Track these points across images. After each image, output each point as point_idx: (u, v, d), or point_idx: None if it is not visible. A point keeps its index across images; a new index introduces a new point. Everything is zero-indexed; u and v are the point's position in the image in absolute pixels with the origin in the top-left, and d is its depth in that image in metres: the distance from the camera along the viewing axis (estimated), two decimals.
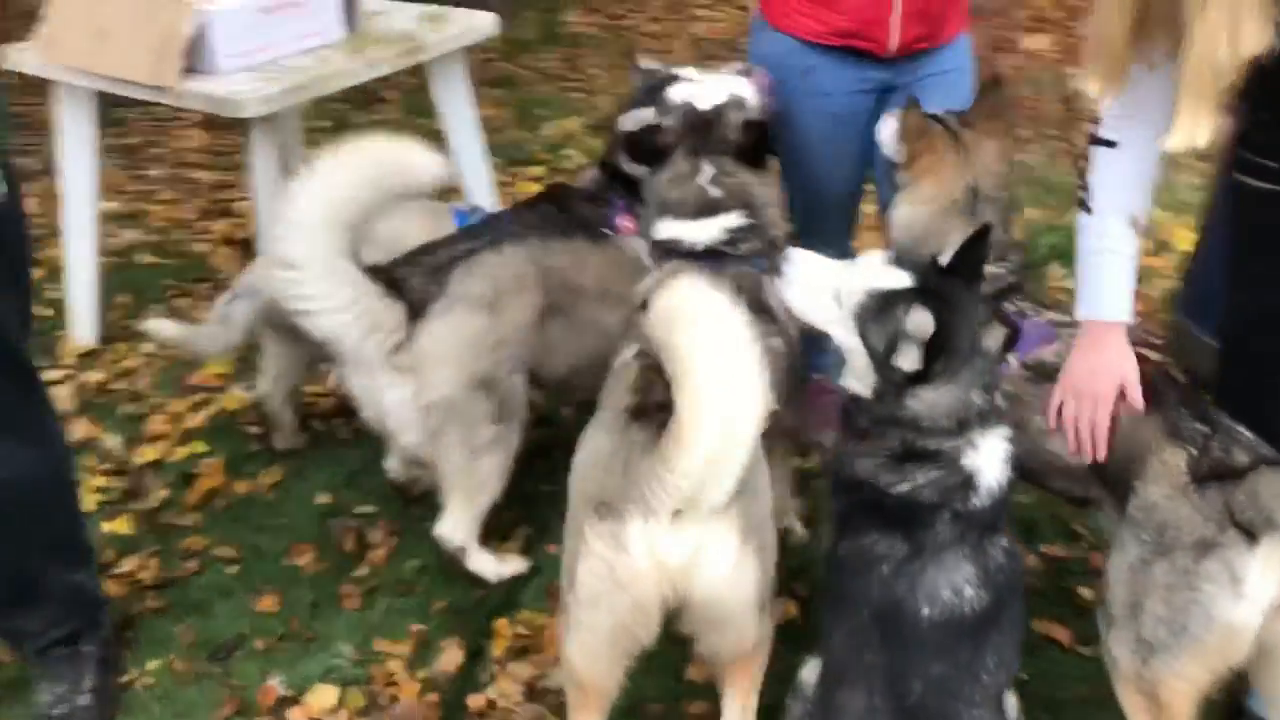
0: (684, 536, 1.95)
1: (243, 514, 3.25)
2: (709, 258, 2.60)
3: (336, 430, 3.56)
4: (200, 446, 3.49)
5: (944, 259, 2.12)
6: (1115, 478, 2.28)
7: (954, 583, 2.04)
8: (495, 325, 2.77)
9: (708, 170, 2.67)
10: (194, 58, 3.19)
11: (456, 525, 2.86)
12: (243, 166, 5.35)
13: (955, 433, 2.07)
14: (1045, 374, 2.43)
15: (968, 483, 2.06)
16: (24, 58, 3.55)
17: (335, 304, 2.56)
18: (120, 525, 3.20)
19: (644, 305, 2.35)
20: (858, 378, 2.12)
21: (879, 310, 2.06)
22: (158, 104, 5.67)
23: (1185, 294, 3.68)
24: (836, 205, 3.12)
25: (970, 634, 2.03)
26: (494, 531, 2.98)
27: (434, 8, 3.83)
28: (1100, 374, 2.30)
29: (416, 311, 2.71)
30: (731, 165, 2.67)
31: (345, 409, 3.60)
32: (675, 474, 1.87)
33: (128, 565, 3.07)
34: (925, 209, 2.60)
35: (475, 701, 2.67)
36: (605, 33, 7.85)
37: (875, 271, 2.12)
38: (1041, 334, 2.49)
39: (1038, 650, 2.66)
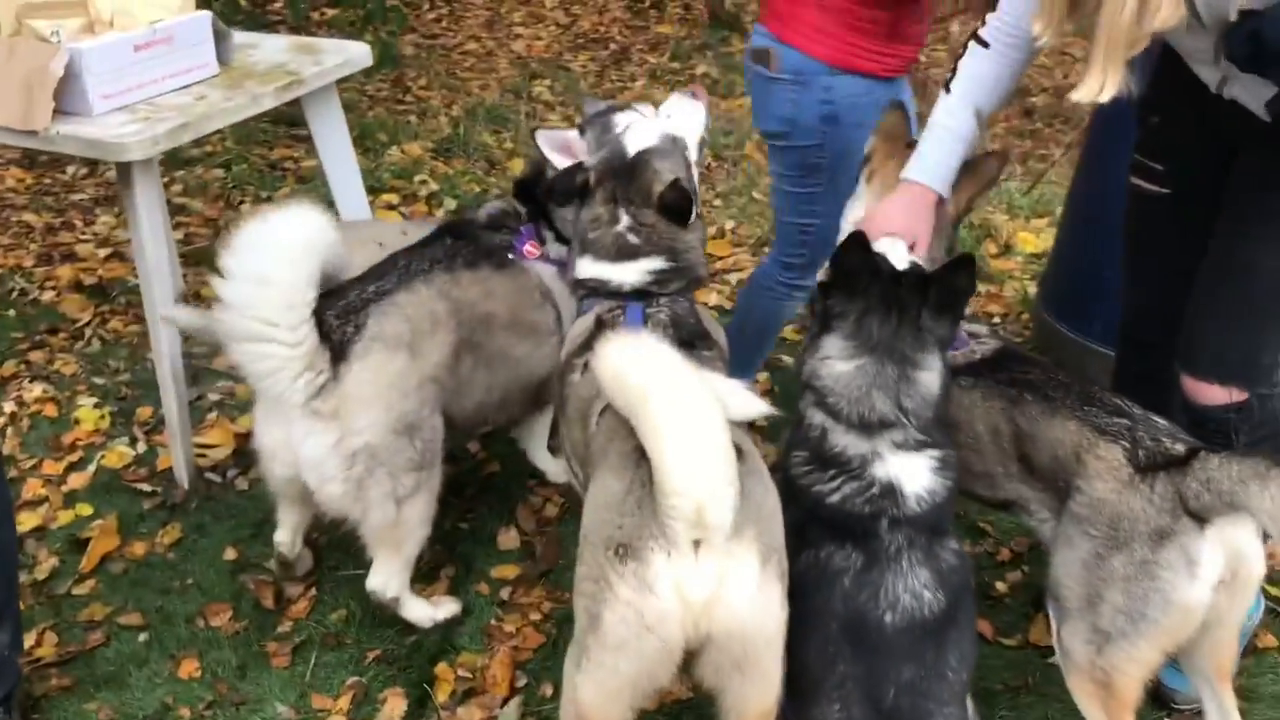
0: (706, 569, 1.95)
1: (144, 577, 3.08)
2: (637, 296, 2.60)
3: (233, 482, 3.41)
4: (86, 509, 3.29)
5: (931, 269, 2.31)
6: (1048, 478, 2.40)
7: (912, 588, 2.15)
8: (416, 365, 2.71)
9: (624, 219, 2.62)
10: (63, 99, 3.00)
11: (389, 577, 2.77)
12: (74, 206, 5.12)
13: (859, 431, 2.22)
14: None
15: (890, 492, 2.19)
16: None
17: (289, 337, 2.46)
18: None
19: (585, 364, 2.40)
20: None
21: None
22: None
23: (1046, 292, 3.94)
24: None
25: (933, 635, 2.14)
26: (417, 575, 2.90)
27: (304, 39, 3.73)
28: (895, 217, 2.55)
29: (335, 355, 2.61)
30: (650, 216, 2.61)
31: (239, 458, 3.48)
32: (673, 502, 1.91)
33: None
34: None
35: None
36: (426, 53, 7.77)
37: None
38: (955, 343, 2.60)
39: None
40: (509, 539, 3.21)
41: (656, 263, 2.61)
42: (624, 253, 2.61)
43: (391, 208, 5.14)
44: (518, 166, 5.58)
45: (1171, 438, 2.27)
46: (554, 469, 3.31)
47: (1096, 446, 2.30)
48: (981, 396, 2.52)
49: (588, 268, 2.66)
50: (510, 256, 2.99)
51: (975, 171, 2.68)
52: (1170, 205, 2.63)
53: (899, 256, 2.38)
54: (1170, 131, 2.58)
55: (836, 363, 2.26)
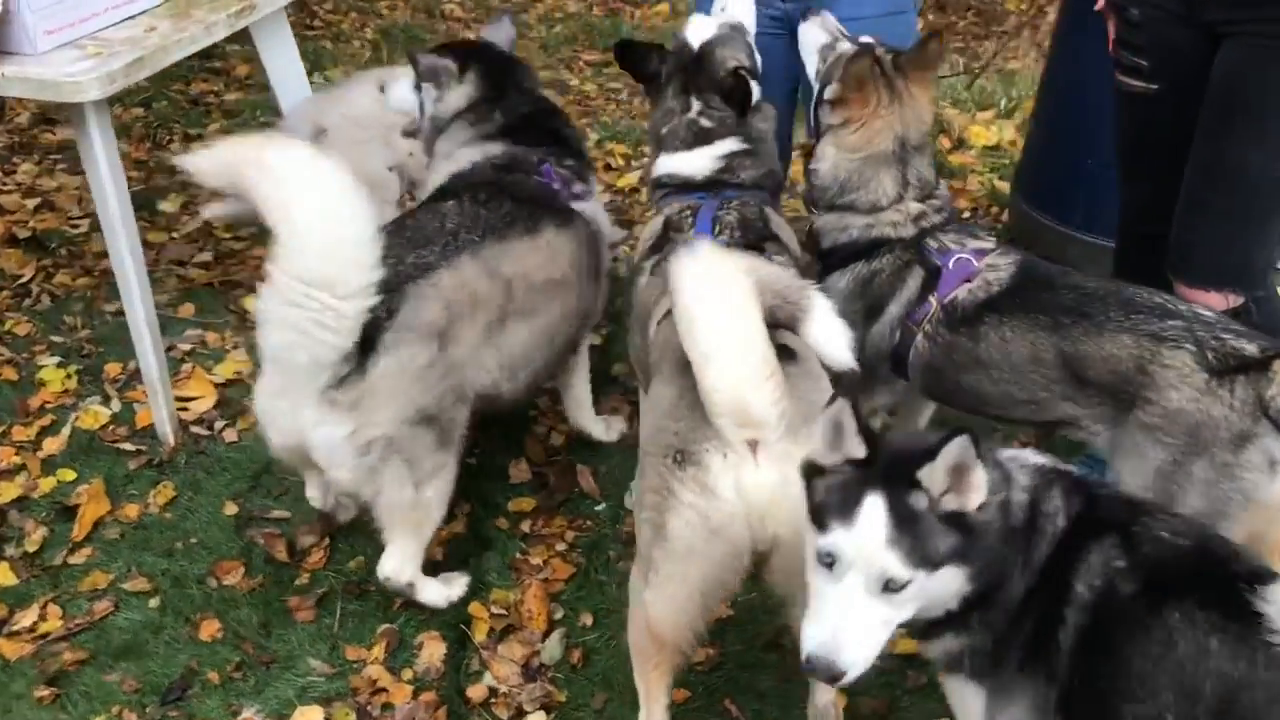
0: (767, 471, 1.92)
1: (143, 540, 2.94)
2: (709, 188, 2.58)
3: (221, 434, 3.25)
4: (68, 474, 3.11)
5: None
6: (1106, 392, 2.29)
7: None
8: (445, 355, 2.52)
9: (696, 104, 2.66)
10: (6, 39, 2.77)
11: (403, 562, 2.62)
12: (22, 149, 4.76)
13: None
14: (959, 317, 2.47)
15: None
16: None
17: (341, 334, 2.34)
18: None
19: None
20: None
21: None
22: None
23: (1023, 183, 3.94)
24: None
25: None
26: None
27: None
28: None
29: (363, 342, 2.39)
30: (718, 102, 2.65)
31: (223, 408, 3.34)
32: (714, 398, 1.91)
33: (25, 619, 2.72)
34: (854, 156, 2.59)
35: (475, 692, 2.56)
36: None
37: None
38: (961, 271, 2.50)
39: None
40: (520, 471, 3.14)
41: (730, 144, 2.64)
42: (699, 138, 2.65)
43: None
44: None
45: (1236, 335, 2.18)
46: (599, 430, 3.18)
47: (1160, 356, 2.21)
48: (1014, 333, 2.40)
49: (664, 163, 2.69)
50: (569, 206, 2.84)
51: (922, 54, 2.64)
52: (1161, 101, 2.56)
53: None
54: (1152, 24, 2.50)
55: None
